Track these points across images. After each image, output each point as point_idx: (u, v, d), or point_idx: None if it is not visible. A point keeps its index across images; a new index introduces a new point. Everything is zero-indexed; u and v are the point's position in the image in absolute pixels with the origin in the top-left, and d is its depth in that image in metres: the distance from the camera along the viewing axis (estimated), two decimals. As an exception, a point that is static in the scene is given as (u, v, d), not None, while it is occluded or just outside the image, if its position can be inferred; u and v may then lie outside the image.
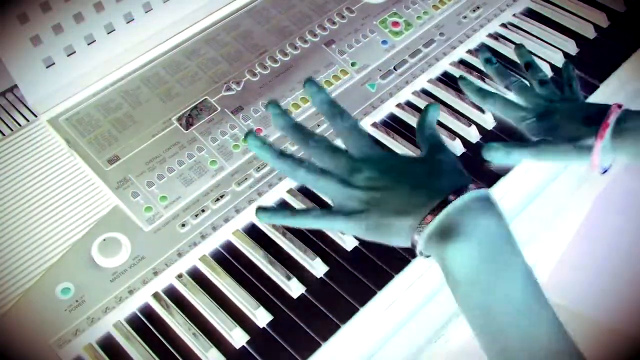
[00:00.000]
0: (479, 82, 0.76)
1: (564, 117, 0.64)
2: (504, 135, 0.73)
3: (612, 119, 0.60)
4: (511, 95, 0.70)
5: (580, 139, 0.61)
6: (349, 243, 0.65)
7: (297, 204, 0.68)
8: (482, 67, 0.80)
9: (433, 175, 0.52)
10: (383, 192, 0.51)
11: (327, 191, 0.54)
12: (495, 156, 0.65)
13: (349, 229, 0.53)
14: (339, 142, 0.57)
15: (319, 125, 0.72)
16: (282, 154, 0.55)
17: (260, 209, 0.56)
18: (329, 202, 0.55)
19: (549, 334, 0.46)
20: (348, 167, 0.53)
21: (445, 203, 0.48)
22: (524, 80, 0.72)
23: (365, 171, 0.52)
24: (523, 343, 0.46)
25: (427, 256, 0.50)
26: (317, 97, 0.58)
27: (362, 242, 0.65)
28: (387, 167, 0.53)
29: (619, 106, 0.61)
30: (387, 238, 0.51)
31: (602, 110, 0.61)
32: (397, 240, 0.51)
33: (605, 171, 0.63)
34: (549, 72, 0.78)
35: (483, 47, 0.79)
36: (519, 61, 0.74)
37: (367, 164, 0.53)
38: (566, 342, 0.46)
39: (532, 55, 0.74)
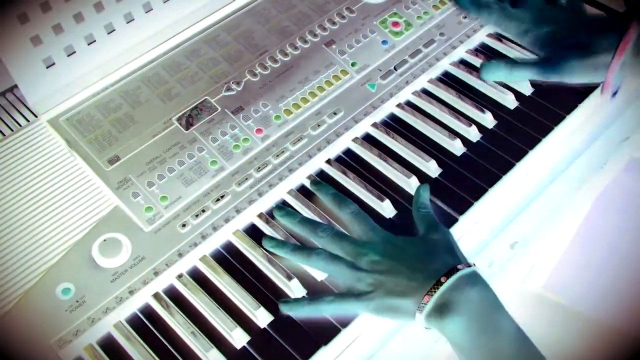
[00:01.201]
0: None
1: (573, 27, 0.59)
2: (504, 133, 0.73)
3: (633, 34, 0.54)
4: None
5: (594, 54, 0.57)
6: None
7: (297, 204, 0.68)
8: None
9: (428, 257, 0.58)
10: (386, 275, 0.57)
11: (338, 275, 0.60)
12: (496, 74, 0.63)
13: (358, 310, 0.58)
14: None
15: (319, 125, 0.72)
16: (296, 248, 0.62)
17: (282, 303, 0.60)
18: (340, 284, 0.60)
19: None
20: (354, 252, 0.59)
21: (437, 285, 0.54)
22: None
23: (369, 255, 0.58)
24: None
25: (428, 328, 0.56)
26: (323, 190, 0.66)
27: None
28: (388, 250, 0.59)
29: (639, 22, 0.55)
30: (394, 316, 0.57)
31: (618, 24, 0.56)
32: (403, 318, 0.56)
33: (615, 94, 0.58)
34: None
35: None
36: None
37: (371, 248, 0.59)
38: None
39: None
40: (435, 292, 0.54)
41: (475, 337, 0.53)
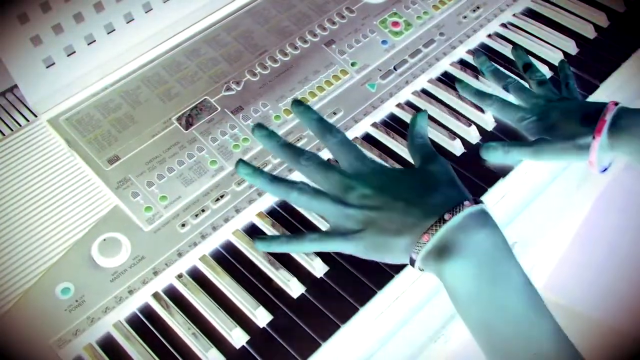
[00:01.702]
0: (476, 83, 0.77)
1: (562, 116, 0.64)
2: (503, 135, 0.73)
3: (608, 117, 0.60)
4: (510, 97, 0.71)
5: (578, 138, 0.62)
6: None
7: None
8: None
9: (426, 190, 0.51)
10: (378, 211, 0.51)
11: (323, 211, 0.54)
12: (494, 156, 0.66)
13: (346, 249, 0.53)
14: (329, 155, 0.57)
15: (319, 125, 0.72)
16: (274, 179, 0.55)
17: (258, 239, 0.56)
18: (325, 221, 0.54)
19: (550, 341, 0.46)
20: (341, 185, 0.53)
21: (440, 222, 0.48)
22: (521, 81, 0.72)
23: (358, 188, 0.52)
24: (525, 352, 0.46)
25: (422, 270, 0.51)
26: (306, 115, 0.58)
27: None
28: (380, 183, 0.52)
29: (616, 104, 0.62)
30: (385, 256, 0.51)
31: (599, 108, 0.62)
32: (395, 258, 0.51)
33: (605, 170, 0.63)
34: (547, 73, 0.78)
35: (478, 51, 0.80)
36: (516, 62, 0.75)
37: (360, 180, 0.53)
38: (568, 348, 0.46)
39: (530, 56, 0.74)
40: (436, 230, 0.47)
41: (478, 285, 0.47)
